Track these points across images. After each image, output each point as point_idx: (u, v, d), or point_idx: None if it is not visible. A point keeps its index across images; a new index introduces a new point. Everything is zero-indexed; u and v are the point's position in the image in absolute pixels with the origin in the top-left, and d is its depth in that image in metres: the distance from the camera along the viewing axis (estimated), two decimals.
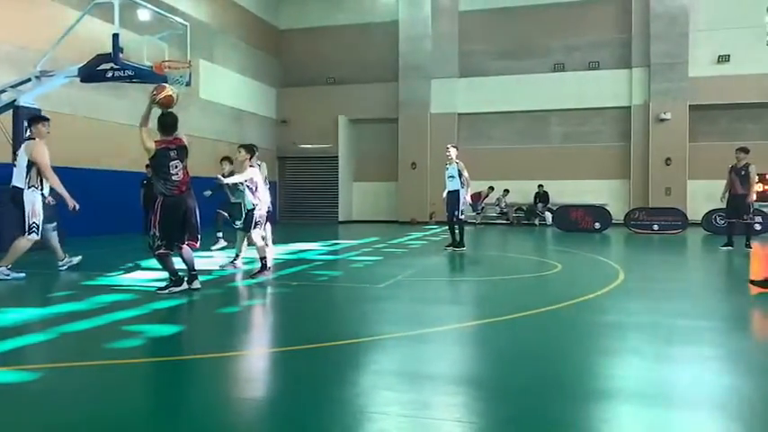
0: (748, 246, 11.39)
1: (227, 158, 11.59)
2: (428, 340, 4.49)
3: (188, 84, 11.03)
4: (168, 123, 6.27)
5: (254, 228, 7.58)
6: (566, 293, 6.47)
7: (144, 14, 13.24)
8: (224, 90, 20.80)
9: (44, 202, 7.52)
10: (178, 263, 6.39)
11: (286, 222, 22.53)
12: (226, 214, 11.34)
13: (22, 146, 7.60)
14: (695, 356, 4.10)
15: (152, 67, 10.56)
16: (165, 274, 6.38)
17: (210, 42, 19.64)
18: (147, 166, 6.51)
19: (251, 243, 7.97)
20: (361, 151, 24.29)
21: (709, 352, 4.21)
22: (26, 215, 7.29)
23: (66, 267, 8.15)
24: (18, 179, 7.38)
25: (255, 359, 4.12)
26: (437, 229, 17.66)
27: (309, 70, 24.16)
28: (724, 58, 20.24)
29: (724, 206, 12.01)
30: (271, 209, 8.00)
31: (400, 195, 22.97)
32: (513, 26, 22.24)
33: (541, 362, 3.92)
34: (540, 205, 21.16)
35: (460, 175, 10.95)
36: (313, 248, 11.90)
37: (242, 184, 7.81)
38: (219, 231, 11.62)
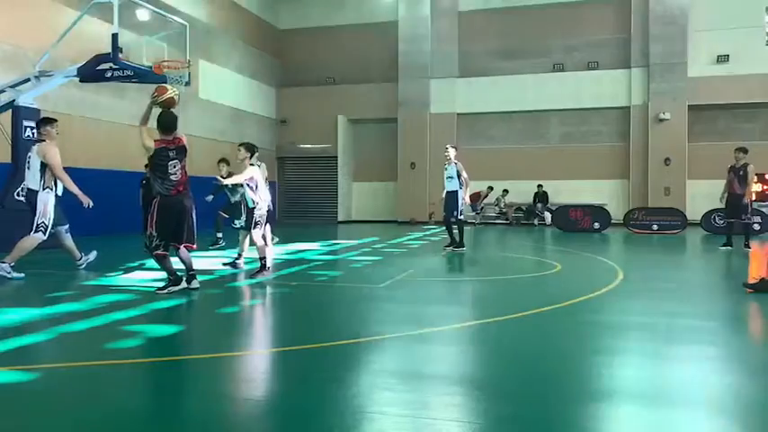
0: (747, 246, 11.40)
1: (224, 160, 11.60)
2: (428, 340, 4.49)
3: (187, 84, 11.02)
4: (168, 123, 6.25)
5: (255, 228, 7.58)
6: (565, 293, 6.47)
7: (143, 14, 13.24)
8: (223, 90, 20.80)
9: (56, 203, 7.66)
10: (176, 262, 6.39)
11: (285, 222, 22.52)
12: (226, 216, 11.36)
13: (34, 148, 7.71)
14: (694, 356, 4.10)
15: (151, 66, 10.56)
16: (164, 275, 6.38)
17: (210, 42, 19.63)
18: (147, 166, 6.51)
19: (252, 243, 7.97)
20: (360, 151, 24.30)
21: (709, 352, 4.22)
22: (36, 215, 7.44)
23: (84, 265, 8.18)
24: (32, 182, 7.55)
25: (255, 359, 4.12)
26: (436, 229, 17.67)
27: (309, 70, 24.16)
28: (723, 59, 20.26)
29: (723, 206, 12.03)
30: (271, 208, 7.98)
31: (399, 195, 22.98)
32: (513, 26, 22.25)
33: (541, 362, 3.93)
34: (539, 205, 21.18)
35: (459, 175, 10.95)
36: (312, 248, 11.90)
37: (241, 185, 7.80)
38: (219, 232, 11.61)
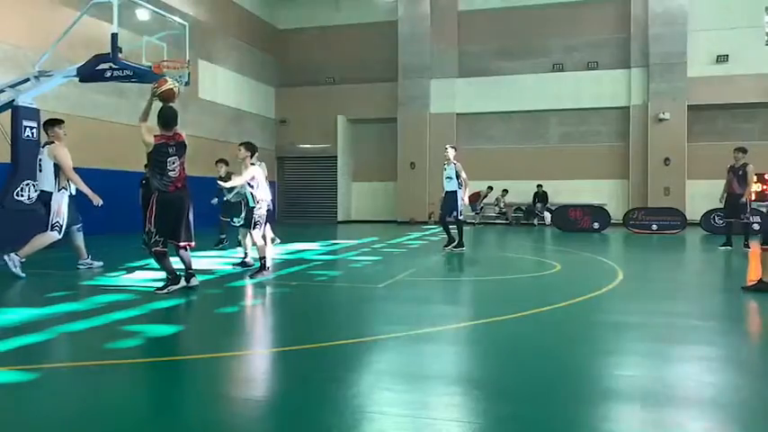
0: (747, 245, 11.40)
1: (222, 161, 11.61)
2: (427, 340, 4.50)
3: (187, 84, 11.02)
4: (169, 118, 6.25)
5: (254, 228, 7.57)
6: (565, 293, 6.47)
7: (143, 14, 13.26)
8: (223, 90, 20.80)
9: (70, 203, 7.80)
10: (176, 262, 6.39)
11: (285, 222, 22.52)
12: (226, 219, 11.40)
13: (44, 150, 7.80)
14: (693, 356, 4.11)
15: (151, 66, 10.56)
16: (164, 274, 6.38)
17: (209, 42, 19.63)
18: (146, 166, 6.51)
19: (253, 242, 7.96)
20: (360, 151, 24.30)
21: (708, 352, 4.22)
22: (51, 214, 7.58)
23: (84, 268, 8.18)
24: (47, 183, 7.67)
25: (254, 359, 4.12)
26: (436, 229, 17.66)
27: (308, 70, 24.16)
28: (722, 59, 20.27)
29: (722, 206, 12.03)
30: (271, 207, 7.97)
31: (399, 195, 22.97)
32: (513, 26, 22.25)
33: (540, 361, 3.93)
34: (538, 205, 21.18)
35: (458, 175, 10.96)
36: (312, 248, 11.90)
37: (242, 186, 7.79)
38: (223, 234, 11.62)
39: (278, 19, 24.63)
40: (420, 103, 22.67)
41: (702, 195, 18.65)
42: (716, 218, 15.67)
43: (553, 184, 21.38)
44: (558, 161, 21.70)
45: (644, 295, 6.72)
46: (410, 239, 14.48)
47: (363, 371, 3.71)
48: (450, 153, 11.08)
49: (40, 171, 7.75)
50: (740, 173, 11.38)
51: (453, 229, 11.24)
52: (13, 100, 10.21)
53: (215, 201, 10.98)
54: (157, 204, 6.16)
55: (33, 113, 10.36)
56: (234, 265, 8.63)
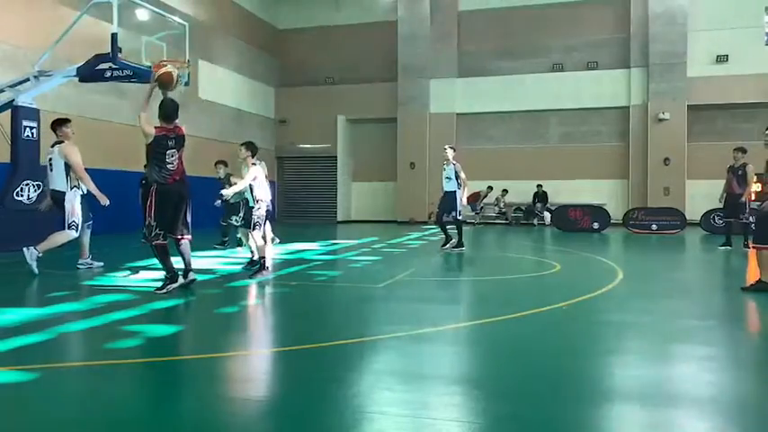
0: (746, 245, 11.40)
1: (221, 162, 11.60)
2: (427, 340, 4.50)
3: (187, 84, 10.98)
4: (169, 110, 6.27)
5: (254, 229, 7.57)
6: (564, 293, 6.47)
7: (143, 14, 13.24)
8: (223, 90, 20.79)
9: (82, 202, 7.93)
10: (176, 262, 6.39)
11: (285, 222, 22.52)
12: (224, 224, 11.41)
13: (54, 150, 7.88)
14: (693, 356, 4.11)
15: (151, 66, 10.52)
16: (163, 274, 6.38)
17: (209, 42, 19.62)
18: (146, 166, 6.51)
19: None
20: (359, 151, 24.29)
21: (708, 351, 4.22)
22: (66, 214, 7.71)
23: (83, 268, 8.19)
24: (59, 183, 7.77)
25: (254, 359, 4.12)
26: (435, 230, 17.62)
27: (308, 70, 24.16)
28: (722, 59, 20.27)
29: (722, 206, 12.03)
30: (270, 207, 7.95)
31: (399, 195, 22.97)
32: (512, 26, 22.26)
33: (540, 361, 3.93)
34: (538, 205, 21.18)
35: (457, 176, 10.96)
36: (312, 248, 11.90)
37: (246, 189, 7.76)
38: (226, 236, 11.61)
39: (278, 19, 24.63)
40: (420, 103, 22.67)
41: (702, 195, 18.64)
42: (715, 218, 15.67)
43: (553, 184, 21.38)
44: (557, 161, 21.70)
45: (644, 295, 6.72)
46: (410, 239, 14.48)
47: (363, 371, 3.71)
48: (449, 153, 11.09)
49: (51, 170, 7.84)
50: (740, 173, 11.38)
51: (451, 229, 11.26)
52: (13, 100, 10.21)
53: (218, 203, 10.96)
54: (157, 196, 6.18)
55: (33, 113, 10.35)
56: (245, 266, 8.43)
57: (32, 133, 10.30)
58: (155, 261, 6.62)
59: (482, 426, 2.82)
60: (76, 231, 7.82)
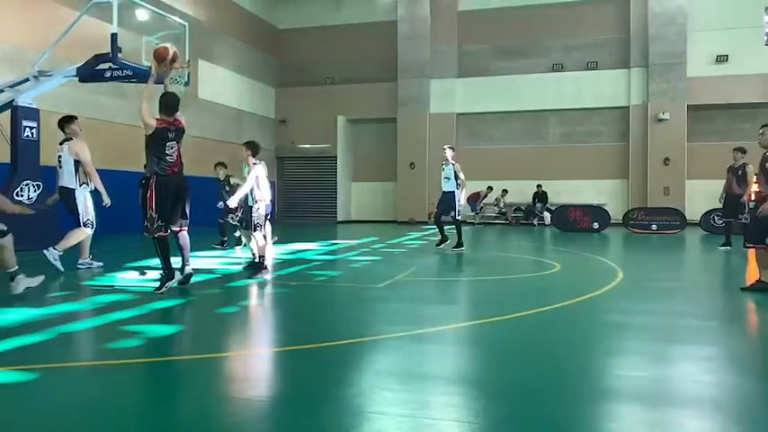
0: (746, 246, 11.37)
1: (221, 164, 11.60)
2: (427, 340, 4.50)
3: (187, 84, 11.01)
4: (170, 103, 6.35)
5: (255, 230, 7.57)
6: (564, 293, 6.48)
7: (142, 14, 13.23)
8: (223, 90, 20.79)
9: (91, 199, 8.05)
10: (176, 262, 6.39)
11: (284, 222, 22.52)
12: (222, 221, 11.40)
13: (63, 148, 7.93)
14: (693, 356, 4.11)
15: (151, 66, 10.53)
16: (160, 272, 6.38)
17: (209, 42, 19.62)
18: (146, 166, 6.51)
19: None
20: (359, 151, 24.30)
21: (708, 352, 4.22)
22: (80, 212, 7.82)
23: (83, 268, 8.18)
24: (68, 180, 7.86)
25: (254, 359, 4.12)
26: (435, 230, 17.65)
27: (308, 70, 24.17)
28: (722, 59, 20.28)
29: (722, 206, 12.03)
30: (270, 207, 7.95)
31: (399, 195, 22.98)
32: (512, 26, 22.26)
33: (540, 361, 3.93)
34: (538, 205, 21.18)
35: (456, 176, 10.96)
36: (312, 248, 11.89)
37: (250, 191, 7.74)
38: (224, 236, 11.62)
39: (278, 19, 24.63)
40: (420, 103, 22.67)
41: (702, 195, 18.66)
42: (715, 218, 15.67)
43: (553, 184, 21.39)
44: (557, 161, 21.70)
45: (643, 295, 6.73)
46: (410, 239, 14.48)
47: (363, 371, 3.71)
48: (449, 154, 11.08)
49: (60, 167, 7.89)
50: (739, 173, 11.38)
51: (450, 230, 11.26)
52: (13, 100, 10.22)
53: (221, 204, 10.97)
54: (156, 187, 6.21)
55: (33, 113, 10.36)
56: (245, 266, 8.45)
57: (32, 133, 10.31)
58: (155, 261, 6.61)
59: (482, 426, 2.82)
60: (92, 228, 7.96)
